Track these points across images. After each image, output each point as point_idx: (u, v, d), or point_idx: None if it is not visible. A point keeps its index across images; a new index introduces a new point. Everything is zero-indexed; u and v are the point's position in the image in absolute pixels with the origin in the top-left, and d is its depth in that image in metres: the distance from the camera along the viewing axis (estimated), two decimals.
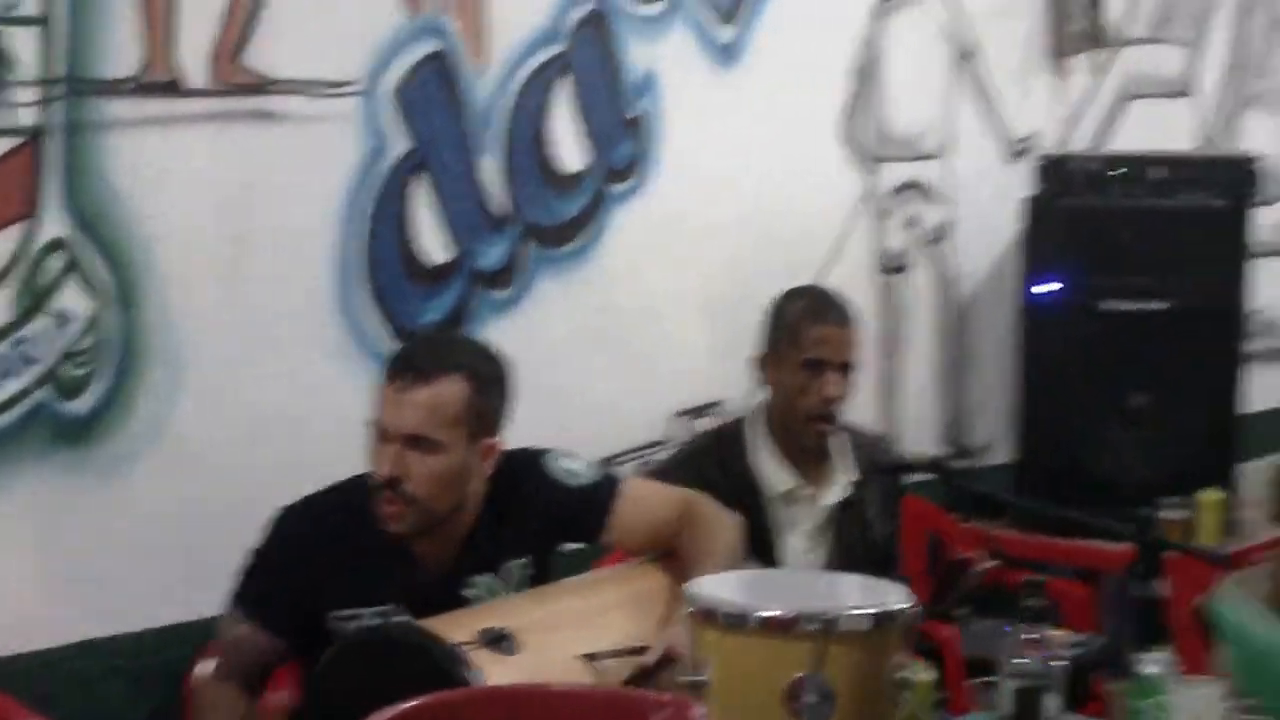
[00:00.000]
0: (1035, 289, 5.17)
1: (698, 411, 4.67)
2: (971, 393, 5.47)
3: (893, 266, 5.20)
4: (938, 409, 5.39)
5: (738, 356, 4.62)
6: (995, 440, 5.48)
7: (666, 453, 4.41)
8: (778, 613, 2.68)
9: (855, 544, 4.00)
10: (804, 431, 3.98)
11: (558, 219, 4.33)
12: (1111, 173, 5.16)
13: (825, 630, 2.65)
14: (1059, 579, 5.02)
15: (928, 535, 4.78)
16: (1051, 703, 2.83)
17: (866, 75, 5.06)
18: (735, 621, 2.69)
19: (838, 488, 4.02)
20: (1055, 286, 5.13)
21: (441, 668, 2.69)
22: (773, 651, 2.66)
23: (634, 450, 4.49)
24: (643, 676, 2.95)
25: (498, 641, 2.81)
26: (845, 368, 3.97)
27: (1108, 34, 5.74)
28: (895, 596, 2.79)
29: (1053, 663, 2.85)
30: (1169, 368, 5.12)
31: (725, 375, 4.67)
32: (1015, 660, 2.84)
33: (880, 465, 4.08)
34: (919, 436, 5.23)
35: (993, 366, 5.47)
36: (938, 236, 5.32)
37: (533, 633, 2.88)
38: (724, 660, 2.68)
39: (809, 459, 4.01)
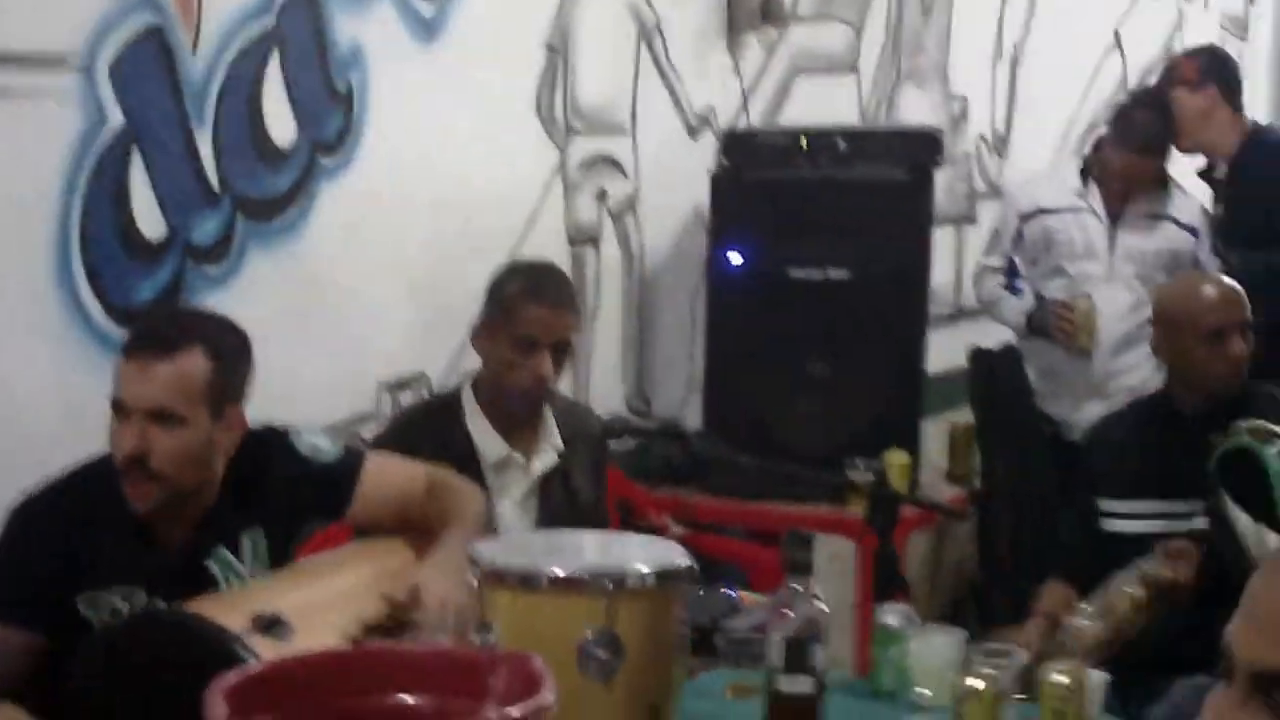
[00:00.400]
0: (721, 260, 5.29)
1: (402, 385, 4.69)
2: (658, 362, 5.59)
3: (583, 239, 5.28)
4: (625, 378, 5.49)
5: (439, 328, 4.69)
6: (682, 408, 5.61)
7: (373, 426, 4.44)
8: (568, 572, 2.76)
9: (562, 510, 4.06)
10: (514, 405, 4.03)
11: (269, 193, 4.30)
12: (795, 145, 5.30)
13: (615, 588, 2.73)
14: (746, 543, 5.19)
15: (618, 503, 4.88)
16: (819, 653, 2.94)
17: (558, 50, 5.13)
18: (526, 582, 2.75)
19: (547, 455, 4.09)
20: (741, 257, 5.26)
21: (222, 654, 2.66)
22: (564, 610, 2.72)
23: (341, 423, 4.48)
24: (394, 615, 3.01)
25: (272, 626, 2.81)
26: (559, 348, 4.02)
27: (779, 12, 5.90)
28: (675, 554, 2.89)
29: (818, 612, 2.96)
30: (854, 334, 5.27)
31: (428, 347, 4.72)
32: (782, 613, 2.95)
33: (610, 431, 4.16)
34: (607, 404, 5.32)
35: (679, 336, 5.59)
36: (625, 209, 5.42)
37: (301, 615, 2.88)
38: (515, 620, 2.74)
39: (520, 428, 4.06)
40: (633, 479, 5.12)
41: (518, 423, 4.04)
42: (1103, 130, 5.76)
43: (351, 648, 2.60)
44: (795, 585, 2.94)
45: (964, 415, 5.77)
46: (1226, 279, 4.28)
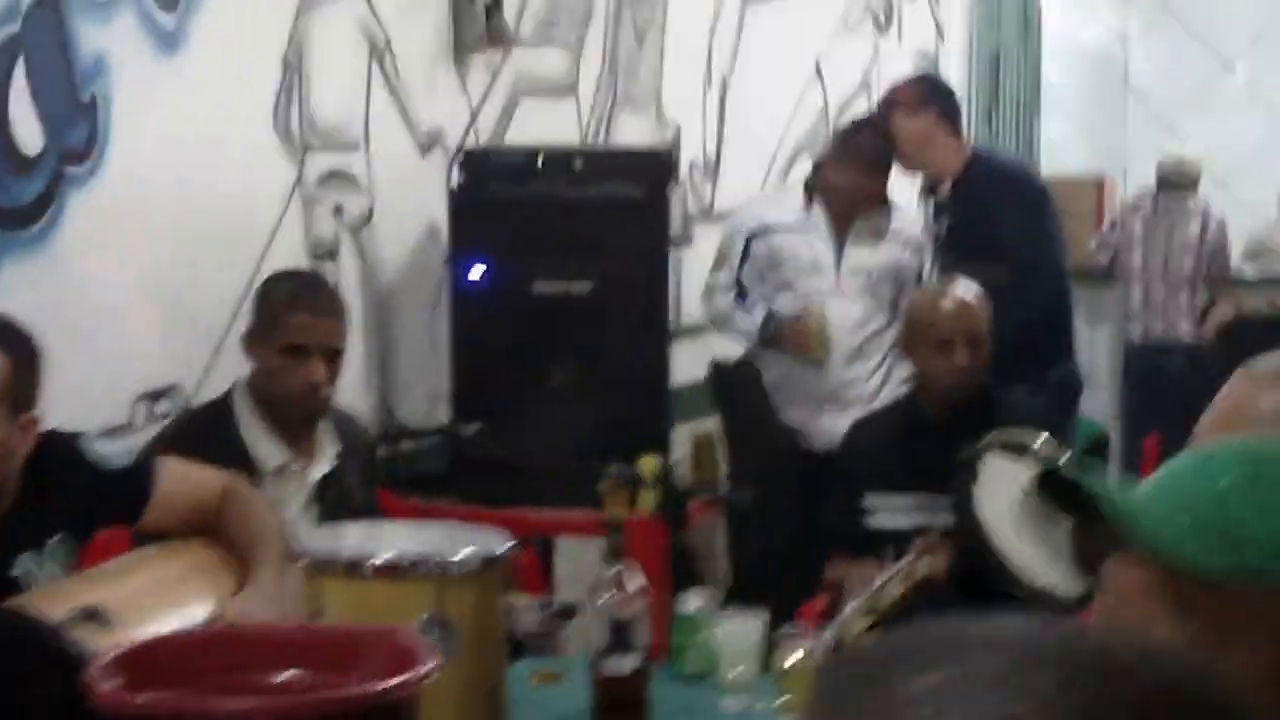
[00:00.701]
0: (463, 274, 5.30)
1: (156, 395, 4.60)
2: (401, 375, 5.56)
3: (322, 253, 5.24)
4: (368, 391, 5.45)
5: (190, 338, 4.63)
6: (427, 421, 5.57)
7: (128, 437, 4.36)
8: (397, 558, 2.75)
9: (338, 515, 4.04)
10: (289, 412, 4.01)
11: (18, 202, 4.19)
12: (532, 163, 5.34)
13: (443, 572, 2.73)
14: None
15: None
16: (642, 632, 2.98)
17: (293, 66, 5.09)
18: (354, 569, 2.74)
19: (324, 461, 4.07)
20: (482, 272, 5.27)
21: (52, 646, 2.61)
22: (395, 595, 2.74)
23: (95, 435, 4.38)
24: None
25: (92, 618, 2.77)
26: (329, 354, 4.02)
27: (503, 35, 5.93)
28: (496, 539, 2.90)
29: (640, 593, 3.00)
30: (598, 347, 5.32)
31: (179, 357, 4.64)
32: (605, 596, 2.98)
33: (386, 436, 4.14)
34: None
35: (421, 350, 5.57)
36: (361, 224, 5.40)
37: (120, 608, 2.85)
38: (345, 608, 2.74)
39: (297, 434, 4.05)
40: (384, 486, 5.09)
41: (294, 429, 4.02)
42: (823, 151, 5.91)
43: (229, 626, 2.56)
44: (617, 568, 2.98)
45: (702, 426, 5.87)
46: (971, 290, 4.46)
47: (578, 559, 5.23)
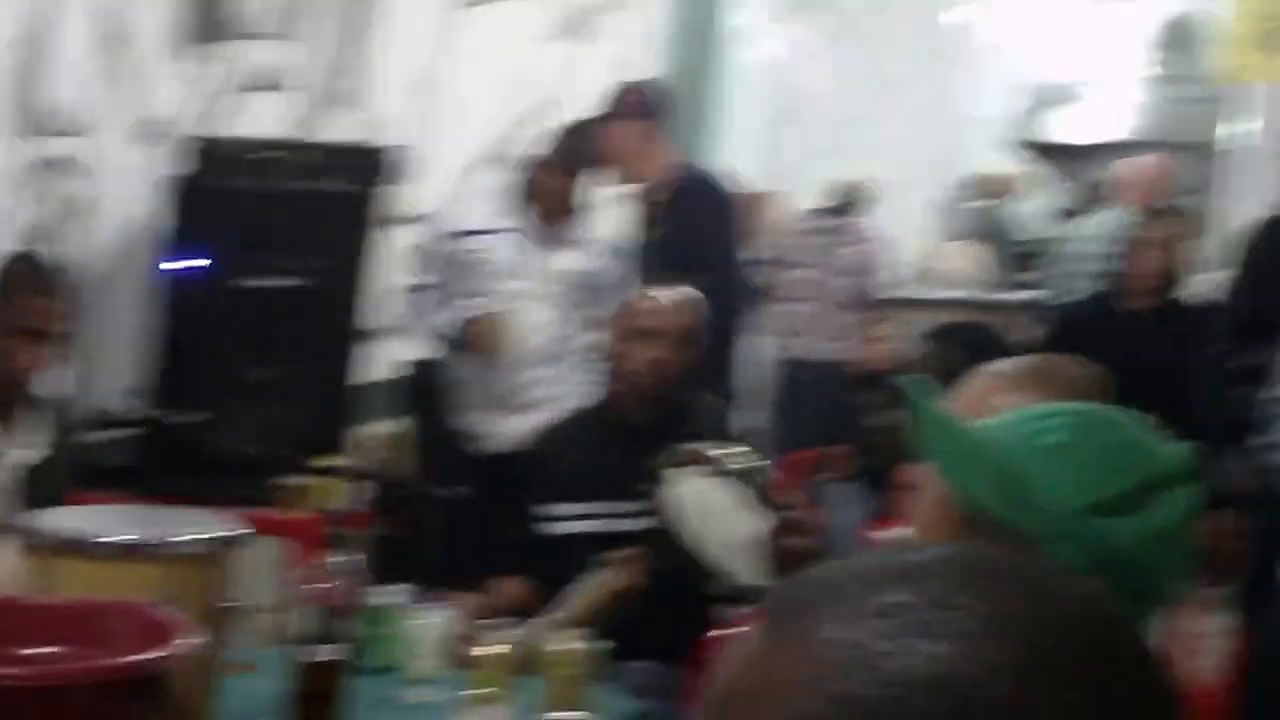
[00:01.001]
0: (173, 266, 5.34)
1: None
2: (104, 367, 5.60)
3: (37, 238, 5.26)
4: (72, 378, 5.48)
5: None
6: (126, 413, 5.61)
7: None
8: (128, 538, 2.91)
9: (48, 503, 4.13)
10: (5, 394, 4.10)
11: None
12: (251, 156, 5.44)
13: (176, 553, 2.90)
14: None
15: None
16: (346, 623, 3.19)
17: (27, 47, 5.15)
18: (84, 549, 2.87)
19: (32, 448, 4.16)
20: (194, 264, 5.32)
21: None
22: (121, 575, 2.85)
23: None
24: None
25: None
26: (44, 337, 4.12)
27: (231, 27, 6.03)
28: (228, 523, 3.07)
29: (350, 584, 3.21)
30: (300, 343, 5.44)
31: None
32: (315, 585, 3.19)
33: (87, 422, 4.23)
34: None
35: (125, 341, 5.60)
36: (80, 211, 5.45)
37: None
38: (75, 587, 2.82)
39: (5, 418, 4.13)
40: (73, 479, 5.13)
41: (4, 412, 4.09)
42: (532, 156, 6.06)
43: None
44: (333, 560, 3.19)
45: (389, 425, 6.02)
46: (689, 294, 4.57)
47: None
